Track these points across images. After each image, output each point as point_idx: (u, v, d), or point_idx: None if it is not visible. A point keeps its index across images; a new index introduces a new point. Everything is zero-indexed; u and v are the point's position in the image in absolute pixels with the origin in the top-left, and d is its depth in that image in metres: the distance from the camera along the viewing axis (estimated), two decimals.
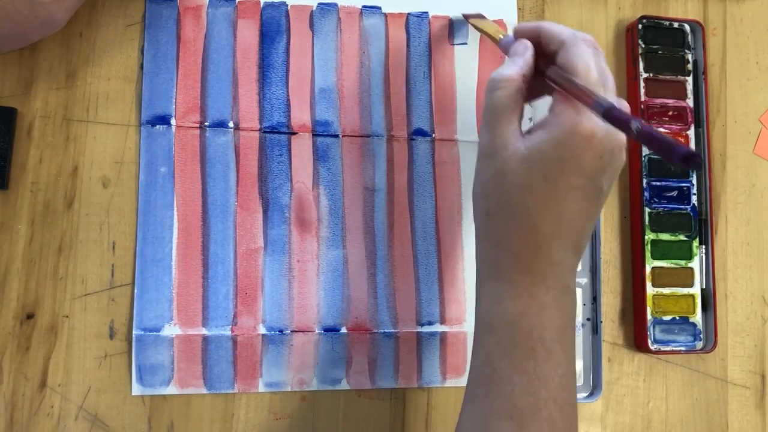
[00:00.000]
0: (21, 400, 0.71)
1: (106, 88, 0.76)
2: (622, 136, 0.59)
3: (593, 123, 0.56)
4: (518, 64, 0.62)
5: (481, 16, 0.80)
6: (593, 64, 0.59)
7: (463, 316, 0.80)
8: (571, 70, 0.59)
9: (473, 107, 0.82)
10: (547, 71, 0.61)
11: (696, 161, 0.45)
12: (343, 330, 0.77)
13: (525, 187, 0.58)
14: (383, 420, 0.78)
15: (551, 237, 0.58)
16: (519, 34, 0.66)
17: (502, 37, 0.70)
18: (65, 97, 0.75)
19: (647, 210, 0.84)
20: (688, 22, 0.87)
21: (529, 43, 0.64)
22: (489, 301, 0.62)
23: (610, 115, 0.53)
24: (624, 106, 0.61)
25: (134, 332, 0.73)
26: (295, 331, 0.76)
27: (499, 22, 0.83)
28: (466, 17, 0.81)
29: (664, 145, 0.48)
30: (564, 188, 0.57)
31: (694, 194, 0.85)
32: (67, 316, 0.73)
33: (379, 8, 0.81)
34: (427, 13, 0.82)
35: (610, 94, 0.60)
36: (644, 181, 0.84)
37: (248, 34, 0.78)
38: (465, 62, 0.83)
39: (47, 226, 0.73)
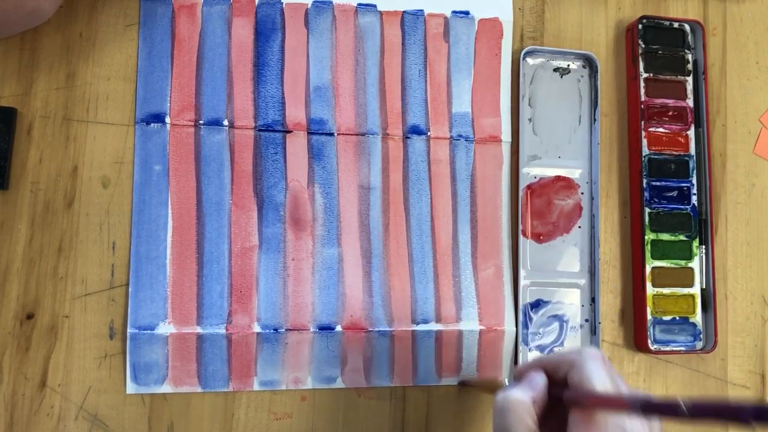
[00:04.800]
0: (21, 400, 0.72)
1: (106, 88, 0.76)
2: None
3: None
4: (530, 388, 0.59)
5: (471, 383, 0.80)
6: (607, 377, 0.57)
7: (457, 315, 0.80)
8: (588, 387, 0.56)
9: (468, 106, 0.82)
10: (564, 394, 0.58)
11: None
12: (338, 328, 0.77)
13: None
14: (383, 420, 0.78)
15: None
16: (520, 373, 0.64)
17: (505, 383, 0.68)
18: (65, 97, 0.75)
19: (647, 210, 0.84)
20: (688, 22, 0.87)
21: (541, 372, 0.61)
22: None
23: (651, 406, 0.49)
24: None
25: (129, 330, 0.73)
26: (290, 330, 0.76)
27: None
28: (464, 385, 0.80)
29: (727, 410, 0.43)
30: None
31: (694, 194, 0.85)
32: (67, 316, 0.73)
33: (374, 6, 0.81)
34: (422, 10, 0.82)
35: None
36: (644, 181, 0.83)
37: (243, 32, 0.78)
38: (460, 60, 0.83)
39: (47, 226, 0.74)
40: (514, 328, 0.81)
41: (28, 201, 0.74)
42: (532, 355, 0.81)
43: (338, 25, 0.80)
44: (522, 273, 0.82)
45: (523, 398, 0.58)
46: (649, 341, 0.82)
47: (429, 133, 0.81)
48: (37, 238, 0.73)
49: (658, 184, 0.84)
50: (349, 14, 0.80)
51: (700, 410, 0.44)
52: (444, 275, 0.80)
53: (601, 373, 0.57)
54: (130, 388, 0.73)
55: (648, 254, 0.83)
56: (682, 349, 0.83)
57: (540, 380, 0.60)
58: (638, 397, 0.50)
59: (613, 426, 0.54)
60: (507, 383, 0.68)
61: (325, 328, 0.77)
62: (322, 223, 0.78)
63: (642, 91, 0.85)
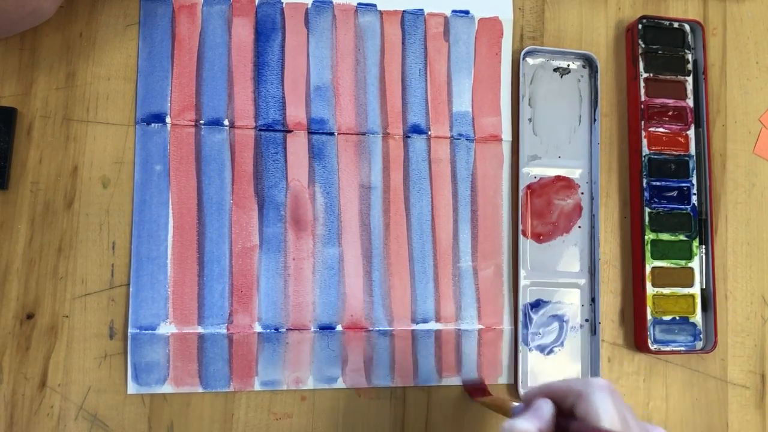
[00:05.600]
0: (21, 400, 0.72)
1: (106, 88, 0.76)
2: None
3: None
4: (536, 417, 0.58)
5: (481, 385, 0.80)
6: (614, 409, 0.56)
7: (457, 314, 0.80)
8: (595, 421, 0.55)
9: (469, 105, 0.82)
10: (571, 427, 0.57)
11: None
12: (339, 328, 0.77)
13: None
14: (383, 420, 0.78)
15: None
16: (528, 398, 0.63)
17: (514, 405, 0.67)
18: (65, 97, 0.75)
19: (647, 210, 0.83)
20: (688, 22, 0.87)
21: (548, 400, 0.60)
22: None
23: None
24: None
25: (129, 330, 0.73)
26: (291, 329, 0.76)
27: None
28: (468, 390, 0.80)
29: None
30: None
31: (694, 194, 0.85)
32: (67, 316, 0.73)
33: (374, 5, 0.81)
34: (422, 10, 0.82)
35: (635, 429, 0.57)
36: (644, 181, 0.83)
37: (243, 31, 0.78)
38: (460, 59, 0.83)
39: (47, 226, 0.74)
40: (510, 327, 0.81)
41: (28, 201, 0.73)
42: (532, 354, 0.81)
43: (338, 24, 0.80)
44: (522, 273, 0.82)
45: (530, 429, 0.57)
46: (649, 341, 0.82)
47: (429, 133, 0.81)
48: (37, 238, 0.73)
49: (658, 184, 0.84)
50: (349, 14, 0.80)
51: None
52: (444, 275, 0.80)
53: (609, 406, 0.56)
54: (131, 388, 0.73)
55: (648, 254, 0.83)
56: (682, 349, 0.83)
57: (547, 410, 0.59)
58: None
59: None
60: (516, 405, 0.66)
61: (326, 328, 0.77)
62: (323, 222, 0.78)
63: (642, 91, 0.85)
